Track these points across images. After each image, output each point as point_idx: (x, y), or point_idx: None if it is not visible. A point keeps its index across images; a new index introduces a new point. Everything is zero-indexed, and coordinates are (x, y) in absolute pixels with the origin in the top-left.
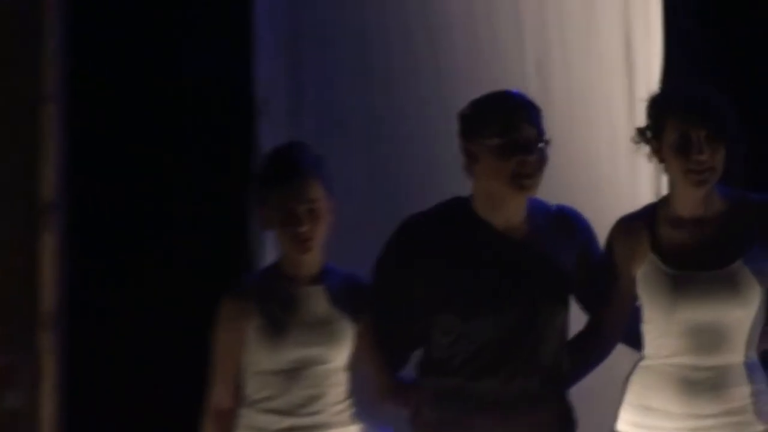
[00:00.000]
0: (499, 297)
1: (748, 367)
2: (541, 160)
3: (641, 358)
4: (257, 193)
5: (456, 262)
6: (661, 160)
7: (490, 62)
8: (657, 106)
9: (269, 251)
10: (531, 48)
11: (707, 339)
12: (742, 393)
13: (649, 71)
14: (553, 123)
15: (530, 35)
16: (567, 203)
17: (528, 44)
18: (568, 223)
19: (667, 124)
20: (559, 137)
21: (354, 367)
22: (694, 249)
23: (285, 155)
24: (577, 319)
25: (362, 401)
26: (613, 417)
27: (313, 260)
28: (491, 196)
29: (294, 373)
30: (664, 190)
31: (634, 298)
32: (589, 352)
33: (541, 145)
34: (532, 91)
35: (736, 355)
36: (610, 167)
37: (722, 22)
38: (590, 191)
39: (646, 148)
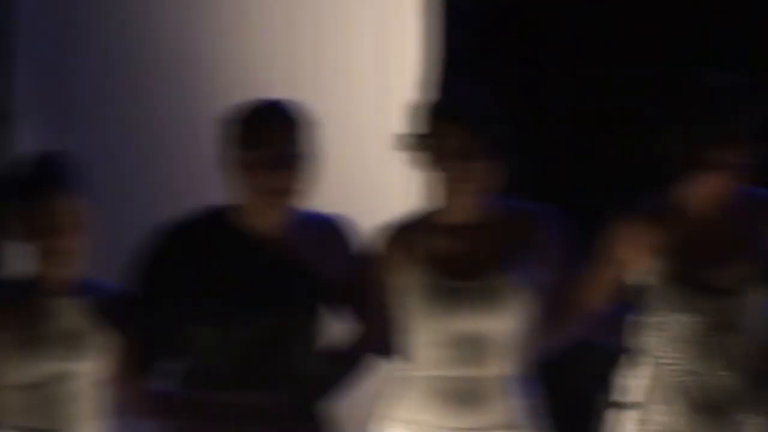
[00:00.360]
0: (255, 307)
1: (514, 380)
2: (299, 175)
3: (402, 370)
4: (9, 202)
5: (212, 270)
6: (433, 167)
7: (249, 66)
8: (431, 112)
9: (11, 261)
10: (284, 51)
11: (471, 350)
12: (506, 407)
13: (411, 76)
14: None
15: (282, 38)
16: (334, 211)
17: (280, 47)
18: (336, 232)
19: (440, 131)
20: (323, 143)
21: (111, 380)
22: (462, 258)
23: (43, 165)
24: None
25: (120, 415)
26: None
27: (68, 272)
28: (248, 205)
29: (44, 387)
30: (430, 198)
31: (397, 307)
32: (349, 362)
33: (299, 160)
34: (286, 95)
35: (501, 367)
36: (377, 175)
37: (494, 25)
38: (356, 199)
39: (410, 155)
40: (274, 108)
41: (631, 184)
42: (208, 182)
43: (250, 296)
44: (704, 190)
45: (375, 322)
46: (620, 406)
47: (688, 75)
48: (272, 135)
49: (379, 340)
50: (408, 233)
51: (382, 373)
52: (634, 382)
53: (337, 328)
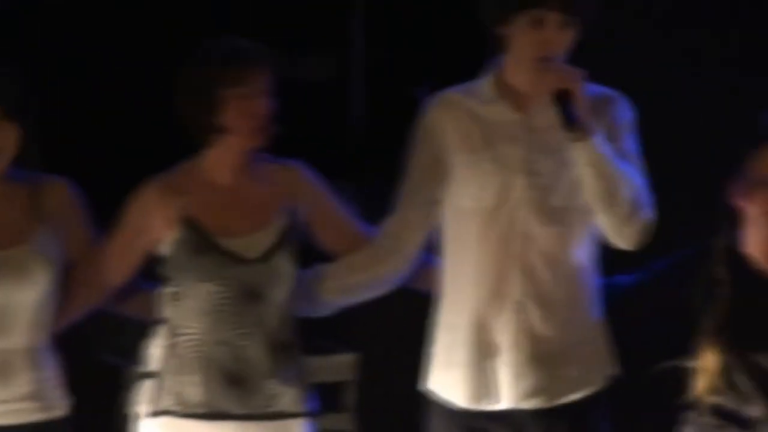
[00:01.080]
0: None
1: (37, 352)
2: None
3: None
4: None
5: None
6: None
7: None
8: None
9: None
10: None
11: None
12: (28, 379)
13: None
14: None
15: None
16: None
17: None
18: None
19: None
20: None
21: None
22: None
23: None
24: None
25: None
26: None
27: None
28: None
29: None
30: None
31: None
32: None
33: None
34: None
35: (24, 339)
36: None
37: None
38: None
39: None
40: None
41: (159, 153)
42: None
43: None
44: (221, 158)
45: None
46: (145, 376)
47: (202, 41)
48: None
49: None
50: None
51: None
52: (154, 351)
53: None
